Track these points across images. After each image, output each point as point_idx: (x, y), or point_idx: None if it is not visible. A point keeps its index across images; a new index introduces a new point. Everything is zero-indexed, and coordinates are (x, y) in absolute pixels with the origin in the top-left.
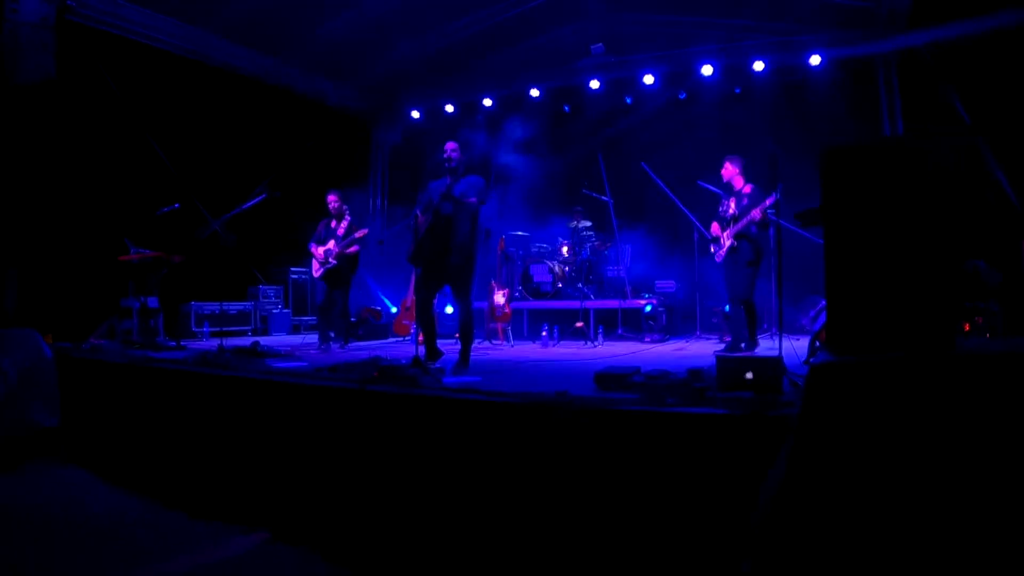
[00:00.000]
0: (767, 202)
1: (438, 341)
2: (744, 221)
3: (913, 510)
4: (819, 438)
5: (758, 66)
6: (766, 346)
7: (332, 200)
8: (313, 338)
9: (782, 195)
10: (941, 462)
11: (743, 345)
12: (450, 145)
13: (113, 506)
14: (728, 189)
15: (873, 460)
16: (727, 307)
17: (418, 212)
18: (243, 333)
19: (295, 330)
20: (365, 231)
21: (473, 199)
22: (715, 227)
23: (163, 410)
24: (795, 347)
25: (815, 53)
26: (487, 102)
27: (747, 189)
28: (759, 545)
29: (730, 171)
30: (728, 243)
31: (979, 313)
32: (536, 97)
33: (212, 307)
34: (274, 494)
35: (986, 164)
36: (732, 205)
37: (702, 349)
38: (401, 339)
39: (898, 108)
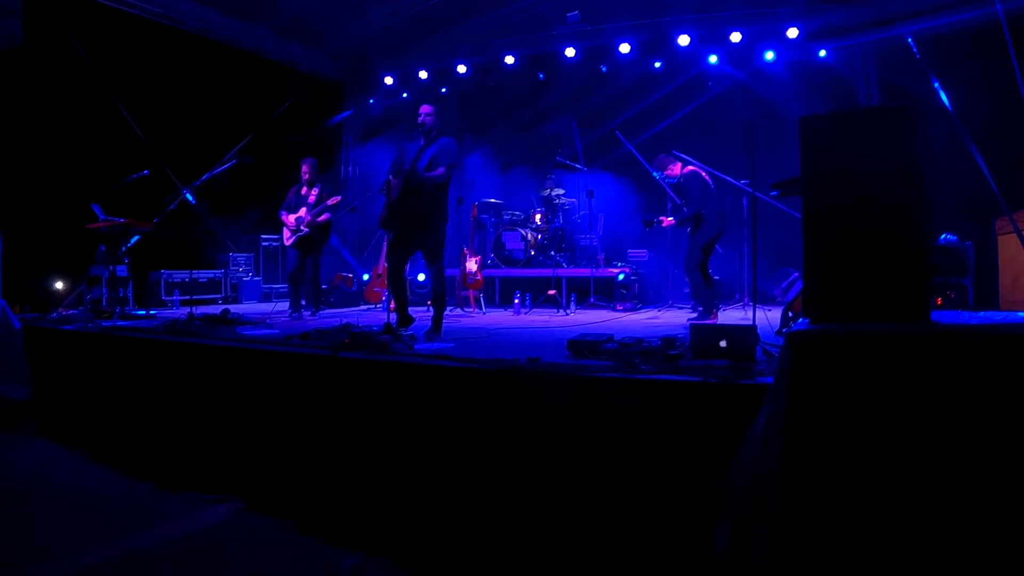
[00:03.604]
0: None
1: (410, 308)
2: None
3: (900, 482)
4: (802, 405)
5: (735, 37)
6: (738, 316)
7: (306, 168)
8: (284, 306)
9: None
10: (929, 433)
11: (700, 310)
12: (425, 108)
13: (86, 479)
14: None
15: (861, 430)
16: None
17: (391, 177)
18: (214, 301)
19: (266, 298)
20: (338, 199)
21: (446, 163)
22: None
23: (133, 380)
24: (767, 317)
25: (792, 26)
26: (461, 69)
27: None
28: (737, 514)
29: (675, 171)
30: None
31: (951, 288)
32: (511, 64)
33: (182, 275)
34: (247, 462)
35: (964, 143)
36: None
37: (675, 318)
38: (373, 306)
39: (875, 84)
